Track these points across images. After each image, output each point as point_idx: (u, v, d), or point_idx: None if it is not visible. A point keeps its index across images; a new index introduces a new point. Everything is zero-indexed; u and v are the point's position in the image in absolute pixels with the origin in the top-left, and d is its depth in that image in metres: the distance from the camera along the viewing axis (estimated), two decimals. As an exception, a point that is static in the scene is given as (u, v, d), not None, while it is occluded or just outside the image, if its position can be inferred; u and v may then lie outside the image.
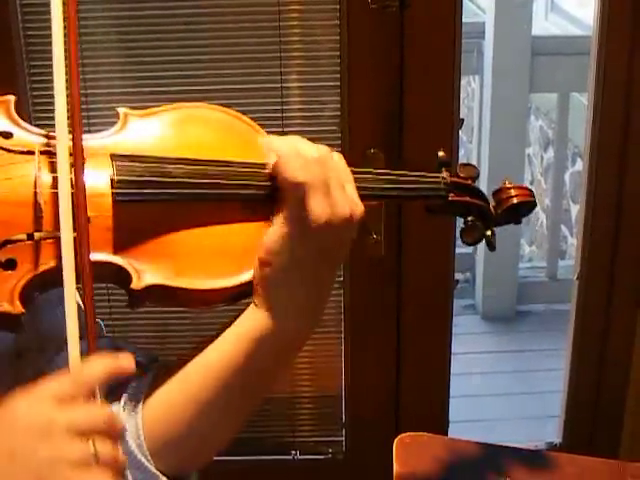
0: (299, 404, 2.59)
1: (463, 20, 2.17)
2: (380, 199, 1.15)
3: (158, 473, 1.05)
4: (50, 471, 0.82)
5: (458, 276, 2.59)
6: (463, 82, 2.34)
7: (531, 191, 1.21)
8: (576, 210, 4.55)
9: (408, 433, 1.48)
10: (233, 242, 1.03)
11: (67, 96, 0.93)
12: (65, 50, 0.95)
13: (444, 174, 1.17)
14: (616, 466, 1.56)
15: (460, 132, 2.26)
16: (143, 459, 1.05)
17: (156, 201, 0.99)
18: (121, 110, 1.06)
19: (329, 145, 2.26)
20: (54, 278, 0.94)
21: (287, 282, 1.03)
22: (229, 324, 1.07)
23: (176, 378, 1.06)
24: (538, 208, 5.05)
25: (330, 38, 2.18)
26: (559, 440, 2.69)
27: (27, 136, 0.99)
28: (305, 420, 2.62)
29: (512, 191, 1.20)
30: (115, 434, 0.86)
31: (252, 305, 1.05)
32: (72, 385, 0.86)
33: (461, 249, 4.19)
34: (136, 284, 0.96)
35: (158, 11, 2.17)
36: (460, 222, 1.20)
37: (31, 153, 0.96)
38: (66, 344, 0.90)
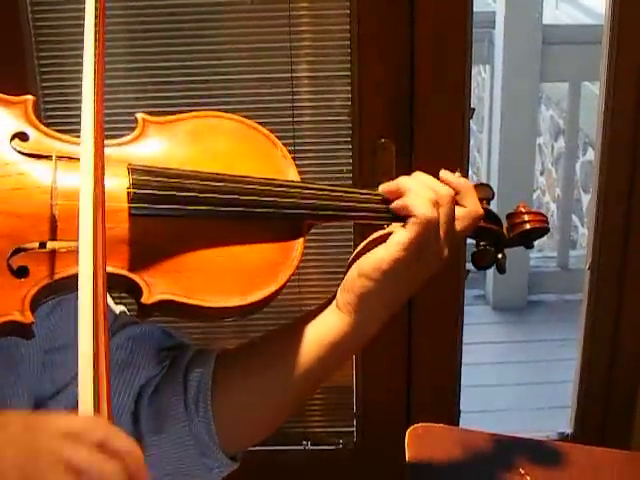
0: (310, 394, 2.59)
1: (474, 10, 2.17)
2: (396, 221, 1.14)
3: (226, 459, 1.13)
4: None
5: (469, 266, 2.58)
6: (474, 72, 2.33)
7: (545, 217, 1.21)
8: (587, 200, 4.54)
9: (421, 424, 1.48)
10: (247, 261, 1.02)
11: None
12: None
13: None
14: (628, 456, 1.55)
15: (471, 122, 2.25)
16: (215, 447, 1.12)
17: (171, 216, 0.99)
18: (139, 116, 1.05)
19: (340, 135, 2.27)
20: (65, 287, 0.93)
21: (381, 295, 1.09)
22: (305, 318, 1.12)
23: (249, 368, 1.12)
24: (548, 198, 5.04)
25: (340, 27, 2.18)
26: (570, 430, 2.68)
27: (44, 140, 0.98)
28: (316, 410, 2.62)
29: (526, 216, 1.20)
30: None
31: (335, 307, 1.10)
32: (91, 429, 0.82)
33: (471, 240, 4.17)
34: (146, 298, 0.96)
35: (167, 9, 2.17)
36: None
37: (47, 158, 0.95)
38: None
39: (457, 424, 2.53)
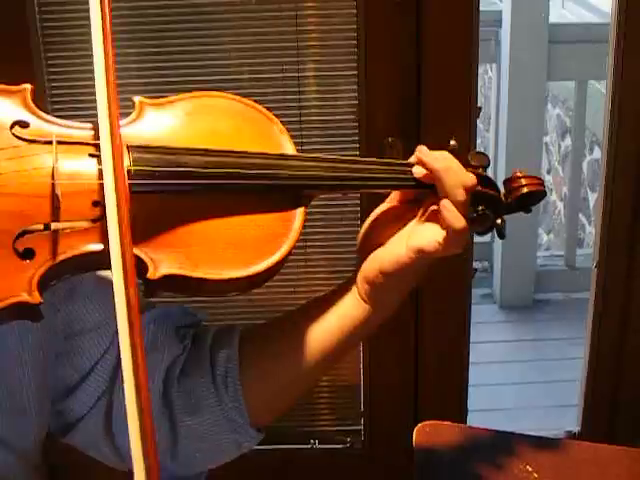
0: (318, 393, 2.59)
1: (480, 9, 2.17)
2: (393, 189, 1.16)
3: (255, 432, 1.19)
4: None
5: (476, 265, 2.58)
6: (480, 71, 2.33)
7: (541, 180, 1.21)
8: (594, 198, 4.54)
9: (428, 421, 1.48)
10: (249, 233, 1.03)
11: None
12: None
13: None
14: (635, 454, 1.55)
15: (477, 121, 2.25)
16: (245, 423, 1.17)
17: (172, 192, 1.00)
18: (136, 99, 1.06)
19: (347, 134, 2.27)
20: (72, 267, 0.95)
21: (402, 287, 1.14)
22: (324, 301, 1.16)
23: (273, 350, 1.16)
24: (555, 197, 5.04)
25: (347, 27, 2.18)
26: (578, 429, 2.68)
27: (44, 125, 1.00)
28: (324, 409, 2.62)
29: (523, 180, 1.20)
30: None
31: (357, 296, 1.14)
32: None
33: (479, 238, 4.18)
34: (152, 274, 0.97)
35: (172, 9, 2.17)
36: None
37: (48, 143, 0.97)
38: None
39: (464, 423, 2.53)
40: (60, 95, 2.21)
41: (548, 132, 5.06)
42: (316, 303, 1.17)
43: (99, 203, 0.94)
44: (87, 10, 0.95)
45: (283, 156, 1.07)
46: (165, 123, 1.05)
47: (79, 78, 2.15)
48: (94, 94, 0.93)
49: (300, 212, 1.06)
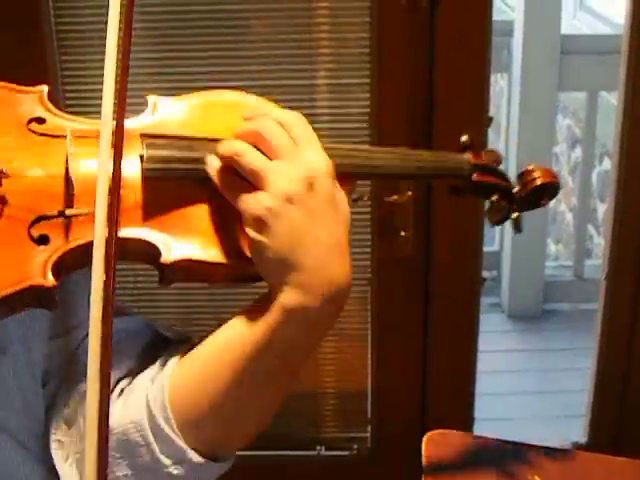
0: (325, 399, 2.60)
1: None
2: (406, 178, 1.18)
3: (186, 447, 1.04)
4: None
5: (484, 274, 2.59)
6: (491, 80, 2.34)
7: (554, 173, 1.23)
8: (603, 209, 4.53)
9: (437, 430, 1.48)
10: None
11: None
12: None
13: (468, 155, 1.19)
14: (642, 466, 1.55)
15: (488, 130, 2.26)
16: (171, 433, 1.04)
17: (184, 177, 1.01)
18: (151, 99, 1.08)
19: (359, 143, 2.27)
20: (86, 255, 0.95)
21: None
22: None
23: (200, 356, 1.05)
24: (564, 207, 5.03)
25: (360, 35, 2.19)
26: (584, 439, 2.68)
27: (59, 121, 1.02)
28: (330, 416, 2.62)
29: (536, 173, 1.21)
30: None
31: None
32: None
33: (488, 247, 4.18)
34: (166, 258, 0.98)
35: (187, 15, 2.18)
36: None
37: (64, 137, 0.99)
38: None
39: (471, 431, 2.53)
40: (73, 91, 2.22)
41: (558, 142, 5.06)
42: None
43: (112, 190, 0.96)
44: (102, 5, 0.97)
45: None
46: (178, 117, 1.08)
47: (93, 75, 2.16)
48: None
49: None
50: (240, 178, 0.99)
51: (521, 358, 4.01)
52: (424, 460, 1.40)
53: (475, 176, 1.18)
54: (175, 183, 1.01)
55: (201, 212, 1.01)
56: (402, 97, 2.21)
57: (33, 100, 1.04)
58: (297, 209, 0.96)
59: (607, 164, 4.47)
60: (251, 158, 0.99)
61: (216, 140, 1.03)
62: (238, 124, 1.05)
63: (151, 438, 1.04)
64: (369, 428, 2.61)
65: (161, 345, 1.15)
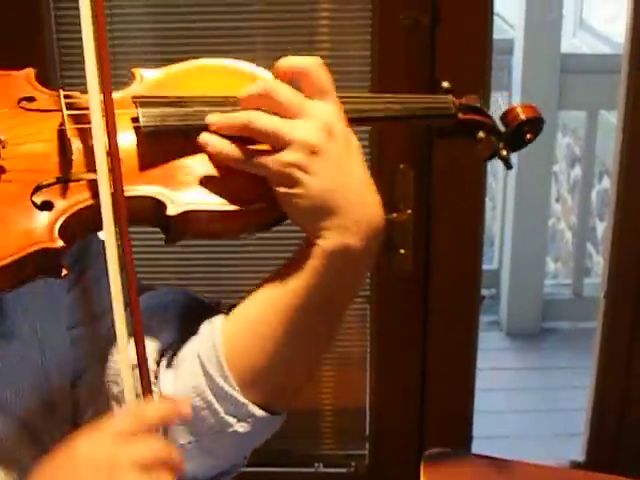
0: (323, 417, 2.59)
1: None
2: (394, 120, 1.19)
3: (248, 402, 1.06)
4: None
5: (483, 292, 2.59)
6: (492, 98, 2.34)
7: (537, 108, 1.25)
8: (602, 228, 4.54)
9: (436, 449, 1.48)
10: None
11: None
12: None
13: (452, 97, 1.23)
14: (640, 485, 1.55)
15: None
16: (231, 390, 1.06)
17: (180, 131, 1.02)
18: (136, 71, 1.10)
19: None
20: (91, 219, 0.97)
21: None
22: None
23: (249, 310, 1.08)
24: (563, 225, 5.04)
25: (361, 53, 2.19)
26: (583, 458, 2.68)
27: (49, 98, 1.04)
28: (329, 433, 2.62)
29: (518, 109, 1.24)
30: (178, 467, 0.90)
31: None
32: (133, 422, 0.90)
33: (487, 265, 4.18)
34: (172, 210, 0.99)
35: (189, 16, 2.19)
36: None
37: (56, 111, 1.01)
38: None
39: (469, 449, 2.53)
40: (70, 69, 2.21)
41: (558, 161, 5.06)
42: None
43: (110, 154, 0.97)
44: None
45: None
46: (166, 82, 1.09)
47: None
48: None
49: None
50: (242, 144, 1.01)
51: (520, 376, 4.01)
52: (423, 478, 1.40)
53: (461, 115, 1.21)
54: (172, 138, 1.02)
55: (202, 162, 1.02)
56: (402, 115, 2.22)
57: (21, 81, 1.06)
58: (322, 159, 1.00)
59: (606, 183, 4.47)
60: (265, 121, 1.01)
61: (207, 97, 1.04)
62: (225, 84, 1.07)
63: (212, 399, 1.07)
64: (367, 445, 2.60)
65: (199, 313, 1.16)
